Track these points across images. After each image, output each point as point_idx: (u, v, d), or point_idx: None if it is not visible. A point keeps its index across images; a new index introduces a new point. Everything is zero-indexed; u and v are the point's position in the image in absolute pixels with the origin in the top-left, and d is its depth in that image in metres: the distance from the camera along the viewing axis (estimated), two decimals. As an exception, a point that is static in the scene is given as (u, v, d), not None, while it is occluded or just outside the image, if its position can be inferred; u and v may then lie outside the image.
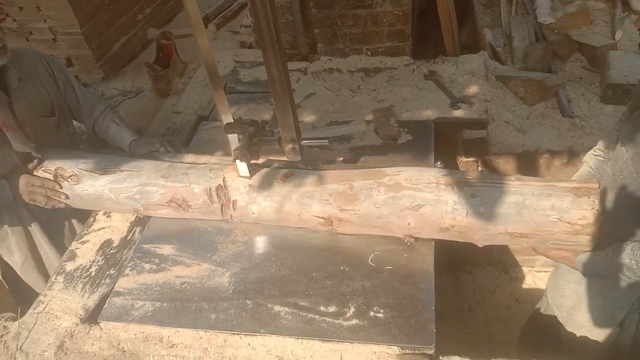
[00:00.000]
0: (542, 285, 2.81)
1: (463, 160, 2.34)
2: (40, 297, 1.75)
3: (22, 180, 1.87)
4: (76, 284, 1.78)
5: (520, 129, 2.45)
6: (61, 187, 1.87)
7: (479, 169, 2.32)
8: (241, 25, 3.23)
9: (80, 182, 1.87)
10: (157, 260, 1.79)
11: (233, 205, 1.79)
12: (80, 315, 1.67)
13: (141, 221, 1.96)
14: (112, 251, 1.89)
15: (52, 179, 1.88)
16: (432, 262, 1.68)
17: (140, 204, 1.85)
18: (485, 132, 2.37)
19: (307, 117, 2.40)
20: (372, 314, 1.55)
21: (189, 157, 2.00)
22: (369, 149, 2.16)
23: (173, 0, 3.74)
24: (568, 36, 2.99)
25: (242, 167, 1.76)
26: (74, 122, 2.19)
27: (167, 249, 1.83)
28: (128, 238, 1.93)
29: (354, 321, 1.53)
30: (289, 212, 1.75)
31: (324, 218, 1.72)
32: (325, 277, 1.67)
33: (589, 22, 3.12)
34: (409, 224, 1.63)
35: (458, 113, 2.36)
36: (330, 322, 1.54)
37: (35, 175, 1.88)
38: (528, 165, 2.36)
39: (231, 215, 1.83)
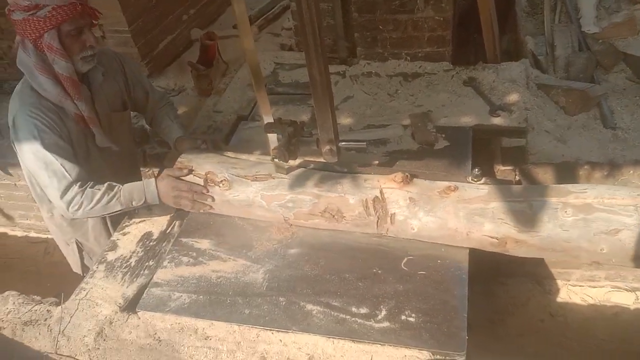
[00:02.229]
0: (577, 299, 2.75)
1: (500, 169, 2.31)
2: (82, 285, 1.83)
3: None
4: (116, 273, 1.84)
5: (561, 139, 2.41)
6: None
7: (517, 178, 2.30)
8: (282, 28, 3.28)
9: (232, 187, 1.87)
10: (194, 254, 1.84)
11: (391, 219, 1.73)
12: (120, 303, 1.74)
13: (180, 215, 2.02)
14: (151, 243, 1.95)
15: (202, 183, 1.89)
16: (466, 269, 1.68)
17: (292, 213, 1.83)
18: (525, 141, 2.34)
19: (344, 120, 2.42)
20: (403, 317, 1.55)
21: (229, 155, 2.05)
22: (406, 154, 2.16)
23: (217, 2, 3.83)
24: (613, 46, 2.92)
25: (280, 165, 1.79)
26: None
27: (204, 244, 1.88)
28: (167, 231, 1.99)
29: (385, 324, 1.54)
30: (454, 230, 1.67)
31: (497, 238, 1.63)
32: (358, 278, 1.69)
33: (636, 33, 3.04)
34: (601, 250, 1.54)
35: (497, 120, 2.34)
36: (361, 323, 1.55)
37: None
38: (567, 176, 2.32)
39: (387, 230, 1.77)
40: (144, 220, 2.05)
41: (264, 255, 1.81)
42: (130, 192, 1.88)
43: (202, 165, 1.91)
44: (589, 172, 2.33)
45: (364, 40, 2.77)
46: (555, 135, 2.43)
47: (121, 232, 2.02)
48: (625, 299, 2.67)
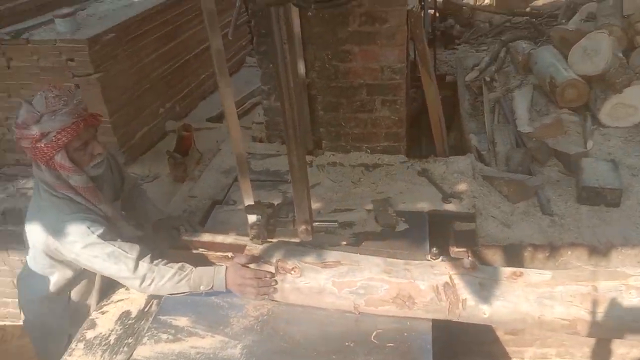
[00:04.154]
0: (530, 377, 2.89)
1: (454, 250, 2.54)
2: (61, 363, 1.86)
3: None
4: (95, 351, 1.89)
5: (505, 223, 2.69)
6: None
7: (469, 258, 2.52)
8: (253, 122, 3.55)
9: (303, 274, 1.91)
10: (173, 331, 1.91)
11: (462, 304, 1.80)
12: (99, 380, 1.77)
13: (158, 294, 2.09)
14: (130, 321, 2.01)
15: (274, 271, 1.93)
16: (430, 340, 1.83)
17: (363, 300, 1.86)
18: (474, 225, 2.60)
19: (313, 205, 2.60)
20: (375, 385, 1.67)
21: (206, 236, 2.19)
22: (370, 235, 2.36)
23: (190, 98, 4.14)
24: (545, 143, 3.34)
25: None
26: None
27: (182, 321, 1.95)
28: (146, 310, 2.06)
29: (359, 392, 1.65)
30: (526, 314, 1.76)
31: (568, 320, 1.73)
32: (331, 351, 1.80)
33: (564, 132, 3.48)
34: None
35: (449, 207, 2.61)
36: (336, 393, 1.65)
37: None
38: (514, 257, 2.57)
39: (459, 315, 1.82)
40: (123, 300, 2.12)
41: (241, 331, 1.89)
42: (200, 276, 1.92)
43: (271, 253, 1.98)
44: (532, 254, 2.59)
45: (328, 134, 3.07)
46: (501, 220, 2.71)
47: (100, 311, 2.07)
48: (575, 375, 2.84)
